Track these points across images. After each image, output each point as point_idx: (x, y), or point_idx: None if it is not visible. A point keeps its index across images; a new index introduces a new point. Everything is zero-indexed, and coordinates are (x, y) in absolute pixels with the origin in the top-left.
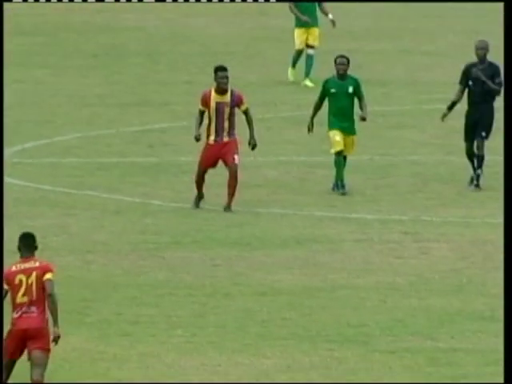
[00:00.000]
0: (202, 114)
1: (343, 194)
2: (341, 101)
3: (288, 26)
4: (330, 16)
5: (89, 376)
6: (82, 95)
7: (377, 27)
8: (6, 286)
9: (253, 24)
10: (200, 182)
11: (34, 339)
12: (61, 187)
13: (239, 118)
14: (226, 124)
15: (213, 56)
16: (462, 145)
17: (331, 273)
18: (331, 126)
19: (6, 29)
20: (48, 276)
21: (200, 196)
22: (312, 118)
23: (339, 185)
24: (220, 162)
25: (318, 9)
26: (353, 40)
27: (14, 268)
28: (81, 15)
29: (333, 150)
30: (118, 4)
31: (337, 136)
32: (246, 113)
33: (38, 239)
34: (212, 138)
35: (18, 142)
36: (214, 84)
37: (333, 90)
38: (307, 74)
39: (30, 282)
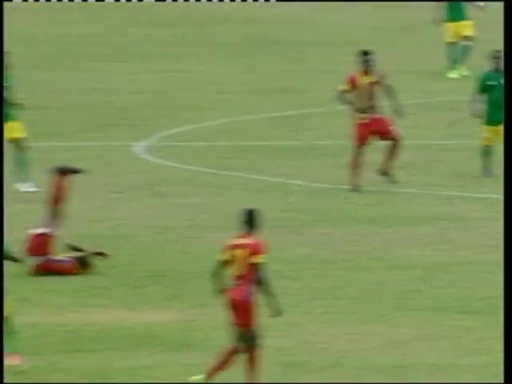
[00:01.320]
0: (344, 92)
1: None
2: (496, 93)
3: (421, 18)
4: (481, 3)
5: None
6: (228, 83)
7: None
8: (223, 256)
9: (388, 16)
10: (358, 161)
11: (238, 311)
12: (209, 169)
13: None
14: (374, 102)
15: (351, 46)
16: None
17: (460, 249)
18: (486, 121)
19: (158, 21)
20: (259, 258)
21: (356, 176)
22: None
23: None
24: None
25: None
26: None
27: (232, 241)
28: (226, 6)
29: (483, 143)
30: None
31: (489, 133)
32: (388, 87)
33: (187, 217)
34: (363, 115)
35: (167, 127)
36: (360, 66)
37: (490, 83)
38: (455, 63)
39: (242, 256)
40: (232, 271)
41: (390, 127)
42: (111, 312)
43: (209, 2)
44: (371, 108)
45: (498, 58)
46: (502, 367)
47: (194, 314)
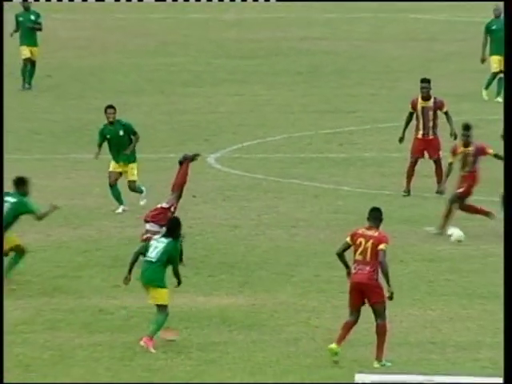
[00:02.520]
0: (411, 115)
1: None
2: None
3: (450, 50)
4: None
5: (293, 323)
6: (288, 104)
7: None
8: (349, 240)
9: (423, 48)
10: (410, 171)
11: (368, 293)
12: (271, 176)
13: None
14: (431, 124)
15: (392, 74)
16: None
17: (483, 243)
18: None
19: (228, 52)
20: (381, 246)
21: (408, 182)
22: None
23: None
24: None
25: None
26: None
27: (359, 231)
28: (287, 42)
29: None
30: (316, 32)
31: None
32: (446, 113)
33: (253, 217)
34: (420, 132)
35: (237, 141)
36: (420, 93)
37: None
38: (499, 93)
39: (367, 245)
40: (355, 256)
41: (437, 150)
42: (190, 297)
43: (273, 36)
44: (428, 128)
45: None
46: None
47: (260, 298)
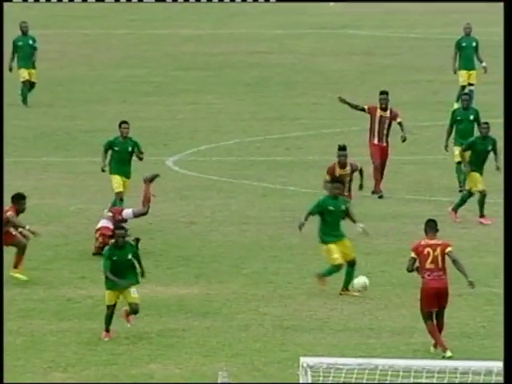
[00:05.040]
0: (362, 109)
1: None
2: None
3: (386, 63)
4: (484, 64)
5: (244, 311)
6: (239, 112)
7: None
8: (414, 255)
9: (361, 61)
10: (376, 174)
11: (443, 298)
12: (224, 178)
13: None
14: (385, 132)
15: (333, 85)
16: None
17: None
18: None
19: (184, 65)
20: (449, 248)
21: (377, 184)
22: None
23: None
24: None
25: (475, 56)
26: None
27: (422, 242)
28: (238, 55)
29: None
30: (264, 46)
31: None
32: (400, 124)
33: (208, 214)
34: (376, 139)
35: (193, 145)
36: (378, 103)
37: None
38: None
39: (435, 254)
40: (426, 265)
41: (387, 157)
42: (150, 287)
43: (225, 50)
44: (383, 136)
45: (466, 99)
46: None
47: (213, 288)
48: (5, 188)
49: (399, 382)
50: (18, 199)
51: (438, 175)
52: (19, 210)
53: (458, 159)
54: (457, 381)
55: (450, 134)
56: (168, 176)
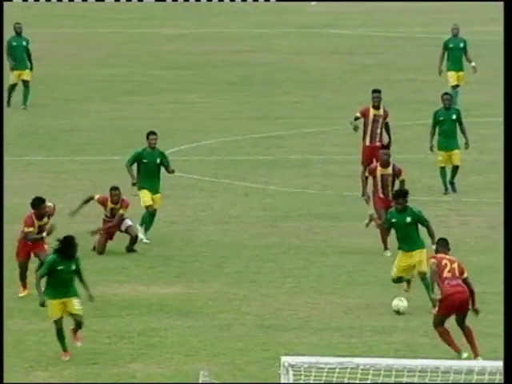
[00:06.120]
0: (357, 119)
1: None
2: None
3: (367, 62)
4: (473, 63)
5: (225, 310)
6: (221, 111)
7: None
8: (434, 261)
9: (342, 60)
10: (363, 177)
11: (467, 305)
12: (206, 177)
13: None
14: (378, 131)
15: (315, 84)
16: None
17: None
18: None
19: (167, 64)
20: (465, 274)
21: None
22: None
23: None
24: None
25: (464, 57)
26: None
27: (439, 255)
28: (221, 54)
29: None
30: (247, 45)
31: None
32: (387, 124)
33: (189, 213)
34: (368, 139)
35: (175, 144)
36: (371, 102)
37: (441, 118)
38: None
39: (453, 266)
40: (444, 274)
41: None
42: (131, 287)
43: (208, 49)
44: (376, 135)
45: (448, 99)
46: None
47: (195, 288)
48: None
49: (380, 381)
50: (38, 203)
51: (419, 174)
52: (40, 214)
53: (441, 164)
54: (438, 380)
55: (433, 135)
56: None
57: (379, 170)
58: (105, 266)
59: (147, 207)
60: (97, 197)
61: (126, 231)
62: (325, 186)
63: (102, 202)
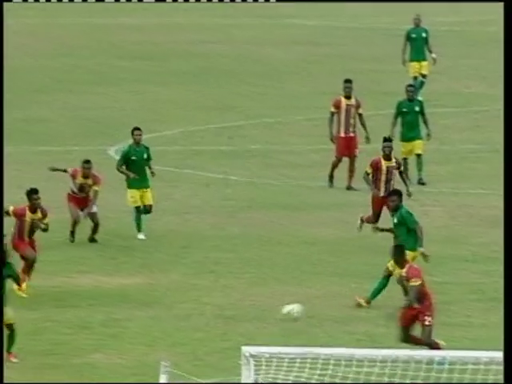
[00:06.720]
0: (332, 114)
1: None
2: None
3: (330, 53)
4: (433, 55)
5: (185, 300)
6: (183, 102)
7: None
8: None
9: (305, 51)
10: (334, 168)
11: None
12: (168, 167)
13: None
14: (352, 121)
15: (277, 74)
16: None
17: (355, 228)
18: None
19: (129, 54)
20: (412, 282)
21: (331, 176)
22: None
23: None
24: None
25: (425, 47)
26: None
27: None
28: (183, 45)
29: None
30: (208, 36)
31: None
32: (360, 115)
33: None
34: (342, 130)
35: None
36: (343, 92)
37: (405, 109)
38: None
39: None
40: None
41: (355, 147)
42: (92, 277)
43: (169, 39)
44: (349, 126)
45: (412, 91)
46: (384, 319)
47: (156, 278)
48: None
49: (342, 370)
50: (30, 194)
51: None
52: (34, 206)
53: (403, 156)
54: (398, 370)
55: (394, 125)
56: (110, 165)
57: (384, 164)
58: (66, 256)
59: (136, 208)
60: (70, 171)
61: (90, 216)
62: (286, 176)
63: (73, 175)
